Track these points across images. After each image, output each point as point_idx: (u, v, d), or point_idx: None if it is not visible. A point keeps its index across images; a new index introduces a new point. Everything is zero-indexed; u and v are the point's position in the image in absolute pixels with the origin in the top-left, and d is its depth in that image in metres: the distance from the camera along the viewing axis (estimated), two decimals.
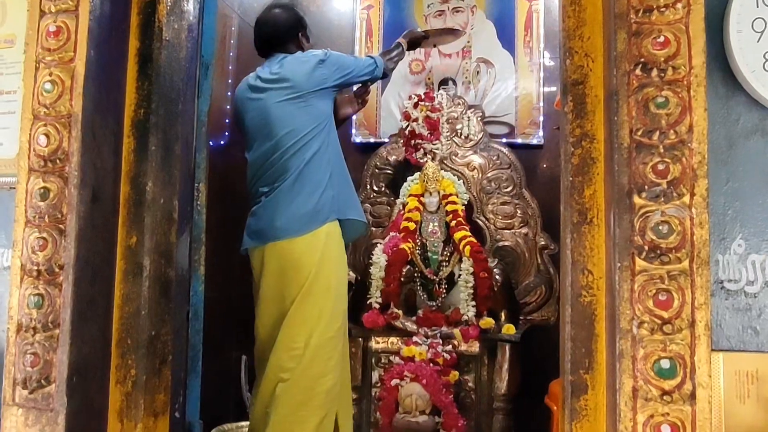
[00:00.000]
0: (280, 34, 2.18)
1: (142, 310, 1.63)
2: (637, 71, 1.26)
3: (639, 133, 1.25)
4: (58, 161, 1.55)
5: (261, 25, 2.20)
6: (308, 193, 1.95)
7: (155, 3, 1.73)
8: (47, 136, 1.56)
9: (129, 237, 1.65)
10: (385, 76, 2.34)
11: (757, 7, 1.29)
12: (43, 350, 1.48)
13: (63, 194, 1.53)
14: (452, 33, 2.80)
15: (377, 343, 2.52)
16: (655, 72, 1.25)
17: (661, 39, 1.25)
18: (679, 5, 1.25)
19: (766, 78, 1.28)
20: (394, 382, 2.36)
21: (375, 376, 2.52)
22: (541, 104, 3.09)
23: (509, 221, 2.82)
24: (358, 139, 3.27)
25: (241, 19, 2.89)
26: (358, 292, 2.71)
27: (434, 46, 2.84)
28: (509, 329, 2.47)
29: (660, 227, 1.22)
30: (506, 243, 2.80)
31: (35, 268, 1.52)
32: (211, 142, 2.31)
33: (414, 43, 2.55)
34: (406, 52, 2.51)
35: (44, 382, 1.48)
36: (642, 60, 1.26)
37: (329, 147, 2.03)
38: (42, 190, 1.54)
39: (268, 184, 1.98)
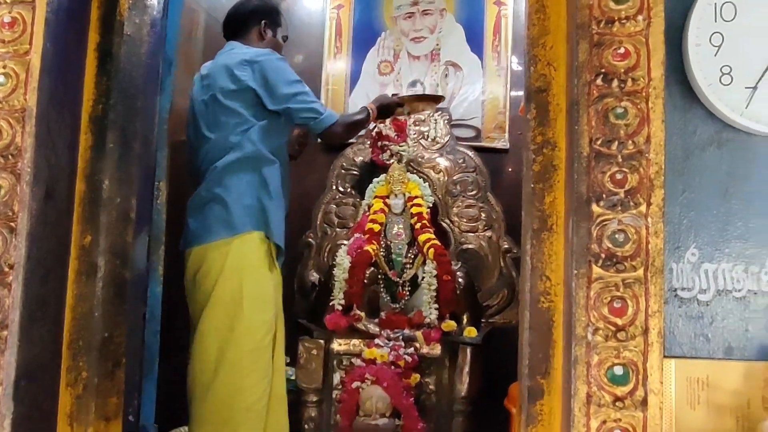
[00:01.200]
0: (239, 16, 2.14)
1: (95, 312, 1.58)
2: (598, 81, 1.28)
3: (598, 142, 1.27)
4: (10, 157, 1.50)
5: (231, 7, 2.17)
6: (222, 200, 1.89)
7: None
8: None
9: (83, 236, 1.61)
10: (333, 139, 2.12)
11: (716, 21, 1.31)
12: None
13: (15, 191, 1.48)
14: (432, 99, 2.63)
15: (339, 345, 2.50)
16: (615, 83, 1.27)
17: (622, 50, 1.27)
18: (639, 17, 1.27)
19: (723, 92, 1.31)
20: (355, 384, 2.35)
21: (336, 378, 2.50)
22: (508, 109, 3.13)
23: (474, 224, 2.84)
24: None
25: (208, 14, 2.84)
26: (321, 293, 2.70)
27: (409, 114, 2.62)
28: (471, 332, 2.48)
29: (616, 236, 1.24)
30: (470, 246, 2.82)
31: None
32: (174, 140, 2.26)
33: (386, 110, 2.37)
34: (375, 120, 2.30)
35: None
36: (603, 70, 1.28)
37: (257, 157, 1.93)
38: None
39: (195, 186, 1.95)
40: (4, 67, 1.53)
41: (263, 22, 2.13)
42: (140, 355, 1.84)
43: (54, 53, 1.54)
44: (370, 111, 2.25)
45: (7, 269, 1.46)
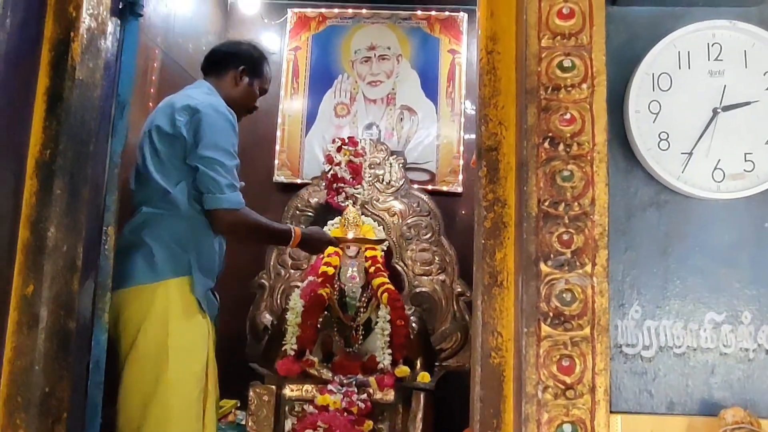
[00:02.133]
0: (220, 55, 2.10)
1: (35, 365, 1.51)
2: (546, 144, 1.33)
3: (546, 203, 1.31)
4: None
5: (219, 43, 2.17)
6: (146, 245, 1.83)
7: (69, 41, 1.66)
8: None
9: (25, 286, 1.54)
10: (220, 225, 1.83)
11: (653, 90, 1.39)
12: None
13: None
14: (373, 243, 2.61)
15: (291, 391, 2.47)
16: (561, 146, 1.32)
17: (568, 116, 1.33)
18: (584, 85, 1.33)
19: (661, 156, 1.37)
20: None
21: (288, 424, 2.46)
22: (462, 153, 3.20)
23: (427, 268, 2.88)
24: (279, 179, 3.25)
25: (165, 54, 2.83)
26: (273, 336, 2.66)
27: (343, 250, 2.61)
28: (424, 377, 2.49)
29: (564, 295, 1.28)
30: (424, 289, 2.85)
31: None
32: (125, 184, 2.22)
33: (314, 245, 2.13)
34: (293, 247, 2.06)
35: None
36: (550, 134, 1.33)
37: (189, 216, 1.84)
38: None
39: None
40: None
41: (242, 68, 2.06)
42: (83, 407, 1.76)
43: (0, 98, 1.50)
44: (292, 234, 2.00)
45: None
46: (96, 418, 1.86)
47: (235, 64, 2.06)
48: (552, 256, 1.30)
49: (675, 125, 1.38)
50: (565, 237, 1.30)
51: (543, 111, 1.34)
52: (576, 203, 1.31)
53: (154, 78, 2.69)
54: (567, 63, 1.34)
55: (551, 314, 1.28)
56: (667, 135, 1.38)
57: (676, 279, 1.38)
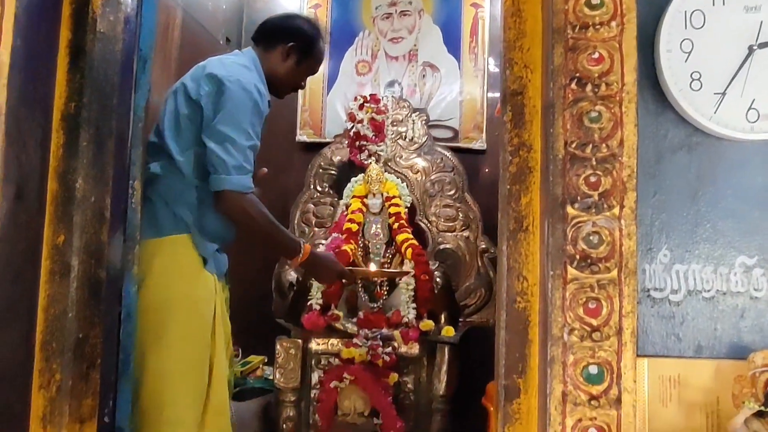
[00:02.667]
0: (273, 27, 1.99)
1: (69, 312, 1.55)
2: (573, 85, 1.30)
3: (573, 145, 1.29)
4: None
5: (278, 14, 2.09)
6: (150, 201, 1.80)
7: None
8: None
9: (56, 236, 1.58)
10: (224, 205, 1.75)
11: (686, 28, 1.34)
12: None
13: None
14: (394, 275, 2.55)
15: (317, 345, 2.51)
16: (589, 87, 1.29)
17: (596, 55, 1.29)
18: (613, 23, 1.29)
19: (693, 97, 1.33)
20: (333, 384, 2.36)
21: (314, 377, 2.51)
22: (485, 109, 3.16)
23: (451, 224, 2.87)
24: (302, 138, 3.25)
25: (185, 12, 2.81)
26: (298, 292, 2.70)
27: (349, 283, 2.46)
28: (449, 331, 2.50)
29: (591, 237, 1.26)
30: (448, 246, 2.85)
31: None
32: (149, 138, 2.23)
33: (320, 271, 2.02)
34: (297, 267, 1.97)
35: None
36: (577, 75, 1.30)
37: (197, 186, 1.79)
38: None
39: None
40: None
41: (291, 44, 1.93)
42: (116, 355, 1.81)
43: (24, 50, 1.51)
44: (300, 251, 1.88)
45: None
46: (128, 365, 1.91)
47: (285, 40, 1.94)
48: (579, 198, 1.28)
49: (708, 64, 1.33)
50: (593, 179, 1.28)
51: (570, 51, 1.30)
52: (604, 145, 1.28)
53: (175, 35, 2.68)
54: (595, 0, 1.29)
55: (578, 257, 1.27)
56: (700, 75, 1.34)
57: (707, 222, 1.35)
